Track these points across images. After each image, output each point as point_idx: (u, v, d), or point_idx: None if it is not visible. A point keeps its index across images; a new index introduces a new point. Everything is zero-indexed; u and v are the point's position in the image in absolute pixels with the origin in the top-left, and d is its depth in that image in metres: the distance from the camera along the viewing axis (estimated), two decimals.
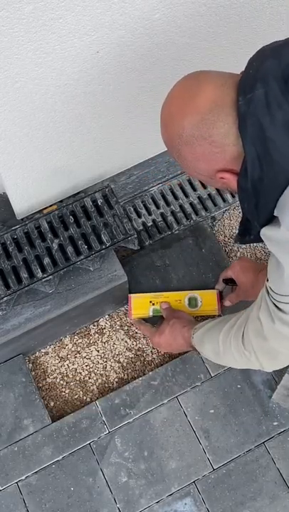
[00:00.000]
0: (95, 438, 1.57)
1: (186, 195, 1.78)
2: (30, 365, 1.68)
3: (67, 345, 1.70)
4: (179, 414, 1.60)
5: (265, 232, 0.99)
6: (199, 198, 1.78)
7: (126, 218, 1.58)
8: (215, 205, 1.77)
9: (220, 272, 1.72)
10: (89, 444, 1.57)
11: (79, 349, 1.70)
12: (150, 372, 1.63)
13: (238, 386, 1.62)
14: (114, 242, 1.55)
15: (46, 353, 1.70)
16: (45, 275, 1.51)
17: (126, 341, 1.70)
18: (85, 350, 1.69)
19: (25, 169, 1.44)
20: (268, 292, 1.11)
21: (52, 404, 1.65)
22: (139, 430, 1.58)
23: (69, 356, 1.69)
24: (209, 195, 1.78)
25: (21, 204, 1.56)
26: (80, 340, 1.71)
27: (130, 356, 1.68)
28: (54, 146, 1.42)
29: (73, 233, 1.55)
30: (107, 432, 1.58)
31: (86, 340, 1.71)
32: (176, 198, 1.77)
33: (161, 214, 1.76)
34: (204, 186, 1.78)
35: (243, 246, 1.80)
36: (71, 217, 1.57)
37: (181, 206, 1.77)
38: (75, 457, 1.56)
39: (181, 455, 1.57)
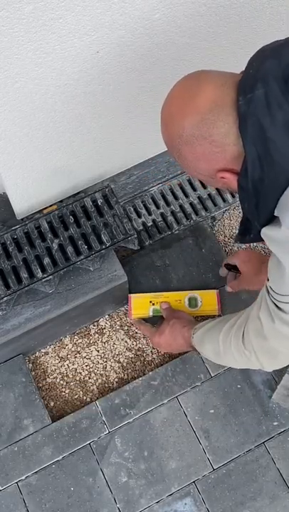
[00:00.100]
0: (95, 438, 1.57)
1: (186, 195, 1.78)
2: (30, 365, 1.68)
3: (67, 345, 1.70)
4: (179, 414, 1.60)
5: (266, 232, 0.99)
6: (199, 198, 1.78)
7: (126, 218, 1.58)
8: (215, 205, 1.77)
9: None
10: (89, 444, 1.57)
11: (79, 349, 1.70)
12: (150, 372, 1.63)
13: (238, 386, 1.62)
14: (114, 242, 1.55)
15: (46, 353, 1.70)
16: (45, 275, 1.51)
17: (126, 341, 1.70)
18: (85, 350, 1.69)
19: (25, 169, 1.44)
20: (268, 292, 1.11)
21: (52, 404, 1.65)
22: (139, 430, 1.58)
23: (69, 356, 1.69)
24: (209, 195, 1.78)
25: (21, 204, 1.56)
26: (80, 340, 1.71)
27: (130, 356, 1.68)
28: (54, 146, 1.42)
29: (73, 233, 1.55)
30: (107, 431, 1.58)
31: (86, 340, 1.71)
32: (176, 198, 1.77)
33: (161, 214, 1.76)
34: (204, 186, 1.78)
35: (243, 246, 1.80)
36: (71, 217, 1.57)
37: (181, 206, 1.77)
38: (75, 457, 1.56)
39: (181, 455, 1.57)
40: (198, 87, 0.96)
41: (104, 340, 1.70)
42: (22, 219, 1.61)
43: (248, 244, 1.81)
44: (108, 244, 1.55)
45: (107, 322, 1.72)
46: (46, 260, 1.52)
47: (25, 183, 1.49)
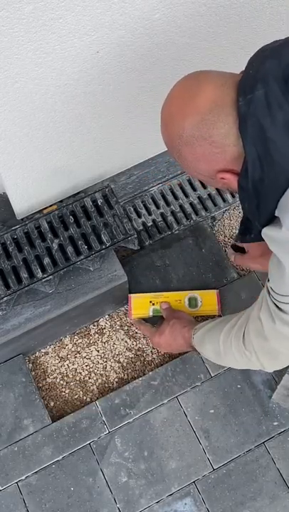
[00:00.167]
0: (95, 438, 1.57)
1: (186, 195, 1.78)
2: (30, 365, 1.68)
3: (67, 345, 1.70)
4: (179, 414, 1.60)
5: (267, 232, 0.99)
6: (199, 198, 1.78)
7: (126, 218, 1.58)
8: (215, 205, 1.77)
9: (220, 272, 1.72)
10: (89, 444, 1.57)
11: (79, 349, 1.70)
12: (150, 372, 1.63)
13: (238, 386, 1.62)
14: (114, 242, 1.55)
15: (46, 353, 1.70)
16: (45, 275, 1.51)
17: (126, 341, 1.70)
18: (85, 350, 1.69)
19: (25, 169, 1.44)
20: (268, 292, 1.11)
21: (52, 404, 1.65)
22: (139, 430, 1.58)
23: (69, 356, 1.69)
24: (209, 195, 1.78)
25: (21, 204, 1.56)
26: (80, 340, 1.71)
27: (130, 356, 1.68)
28: (54, 146, 1.42)
29: (73, 233, 1.55)
30: (107, 431, 1.58)
31: (86, 340, 1.71)
32: (176, 198, 1.77)
33: (161, 214, 1.76)
34: (204, 186, 1.79)
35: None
36: (71, 217, 1.57)
37: (181, 206, 1.77)
38: (75, 457, 1.56)
39: (181, 455, 1.57)
40: (198, 88, 0.96)
41: (104, 340, 1.70)
42: (22, 219, 1.61)
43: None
44: (108, 244, 1.55)
45: (107, 322, 1.72)
46: (46, 260, 1.52)
47: (25, 183, 1.49)
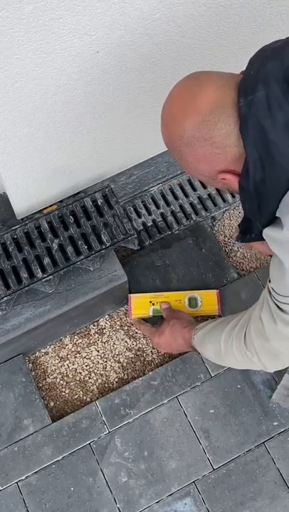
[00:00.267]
0: (95, 438, 1.57)
1: (186, 195, 1.78)
2: (30, 365, 1.68)
3: (67, 345, 1.70)
4: (179, 414, 1.60)
5: (268, 232, 0.99)
6: (199, 198, 1.78)
7: (126, 218, 1.58)
8: (215, 205, 1.77)
9: (220, 272, 1.72)
10: (89, 444, 1.57)
11: (79, 349, 1.70)
12: (150, 372, 1.63)
13: (238, 386, 1.62)
14: (114, 242, 1.55)
15: (46, 353, 1.70)
16: (45, 275, 1.51)
17: (126, 341, 1.70)
18: (85, 350, 1.69)
19: (25, 169, 1.44)
20: (269, 293, 1.11)
21: (52, 404, 1.65)
22: (139, 430, 1.58)
23: (69, 356, 1.69)
24: (209, 195, 1.78)
25: (21, 204, 1.56)
26: (80, 340, 1.71)
27: (130, 356, 1.68)
28: (54, 146, 1.42)
29: (73, 233, 1.55)
30: (107, 432, 1.58)
31: (86, 340, 1.71)
32: (176, 198, 1.77)
33: (161, 214, 1.76)
34: (204, 186, 1.79)
35: (243, 246, 1.80)
36: (71, 217, 1.57)
37: (181, 206, 1.77)
38: (75, 457, 1.56)
39: (181, 455, 1.57)
40: (198, 88, 0.95)
41: (104, 340, 1.70)
42: (22, 219, 1.61)
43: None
44: (108, 244, 1.55)
45: (107, 322, 1.72)
46: (46, 260, 1.52)
47: (25, 183, 1.49)
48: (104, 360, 1.68)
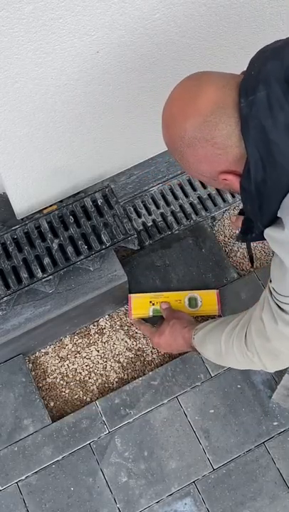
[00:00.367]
0: (95, 438, 1.57)
1: (186, 195, 1.78)
2: (30, 365, 1.68)
3: (67, 345, 1.70)
4: (179, 414, 1.60)
5: (269, 233, 0.99)
6: (199, 198, 1.78)
7: (126, 218, 1.58)
8: (215, 205, 1.77)
9: (220, 272, 1.72)
10: (89, 444, 1.57)
11: (79, 349, 1.70)
12: (150, 372, 1.63)
13: (238, 386, 1.62)
14: (114, 242, 1.55)
15: (46, 353, 1.70)
16: (45, 275, 1.51)
17: (126, 341, 1.70)
18: (85, 350, 1.69)
19: (25, 169, 1.44)
20: (270, 293, 1.11)
21: (52, 404, 1.65)
22: (139, 430, 1.58)
23: (69, 356, 1.69)
24: (209, 195, 1.78)
25: (21, 204, 1.56)
26: (80, 340, 1.71)
27: (130, 356, 1.68)
28: (54, 146, 1.42)
29: (73, 233, 1.55)
30: (107, 432, 1.58)
31: (86, 340, 1.71)
32: (176, 198, 1.77)
33: (161, 214, 1.76)
34: (204, 186, 1.79)
35: (243, 246, 1.80)
36: (71, 217, 1.57)
37: (181, 206, 1.77)
38: (75, 457, 1.56)
39: (181, 455, 1.57)
40: (199, 89, 0.95)
41: (104, 340, 1.70)
42: (22, 219, 1.61)
43: None
44: (108, 244, 1.55)
45: (107, 322, 1.72)
46: (46, 260, 1.52)
47: (25, 183, 1.49)
48: (104, 360, 1.68)
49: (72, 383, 1.67)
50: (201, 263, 1.73)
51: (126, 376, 1.67)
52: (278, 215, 0.96)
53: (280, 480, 1.55)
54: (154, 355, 1.69)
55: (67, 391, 1.66)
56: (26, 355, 1.68)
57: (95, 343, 1.70)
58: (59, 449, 1.56)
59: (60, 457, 1.56)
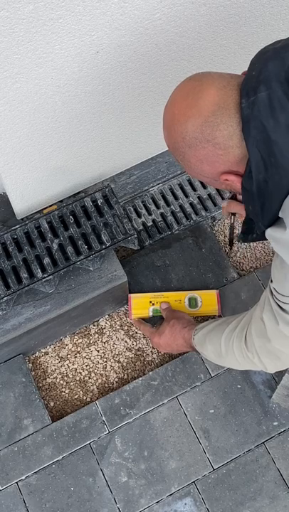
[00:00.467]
0: (95, 438, 1.57)
1: (186, 195, 1.78)
2: (30, 365, 1.68)
3: (67, 345, 1.70)
4: (179, 414, 1.60)
5: (271, 233, 0.99)
6: (199, 198, 1.78)
7: (126, 218, 1.58)
8: (215, 205, 1.77)
9: (220, 272, 1.72)
10: (89, 444, 1.57)
11: (79, 349, 1.70)
12: (150, 372, 1.63)
13: (238, 386, 1.62)
14: (114, 242, 1.55)
15: (46, 353, 1.70)
16: (45, 275, 1.51)
17: (126, 341, 1.70)
18: (85, 350, 1.69)
19: (25, 169, 1.44)
20: (271, 293, 1.11)
21: (52, 404, 1.65)
22: (139, 430, 1.58)
23: (69, 356, 1.69)
24: (209, 195, 1.78)
25: (21, 204, 1.56)
26: (80, 340, 1.71)
27: (130, 356, 1.68)
28: (54, 146, 1.42)
29: (73, 233, 1.55)
30: (107, 432, 1.58)
31: (86, 340, 1.71)
32: (176, 198, 1.77)
33: (161, 214, 1.76)
34: (204, 186, 1.79)
35: (243, 246, 1.80)
36: (71, 217, 1.57)
37: (181, 206, 1.77)
38: (75, 457, 1.56)
39: (181, 455, 1.57)
40: (200, 89, 0.95)
41: (104, 340, 1.70)
42: (22, 219, 1.61)
43: (247, 245, 1.81)
44: (108, 244, 1.55)
45: (107, 322, 1.72)
46: (46, 260, 1.52)
47: (25, 183, 1.49)
48: (104, 360, 1.68)
49: (72, 383, 1.67)
50: (201, 263, 1.73)
51: (126, 376, 1.67)
52: (280, 215, 0.96)
53: (280, 480, 1.55)
54: (154, 355, 1.69)
55: (67, 391, 1.66)
56: (26, 355, 1.68)
57: (95, 343, 1.70)
58: (59, 449, 1.56)
59: (60, 457, 1.56)
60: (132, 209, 1.75)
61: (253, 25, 1.42)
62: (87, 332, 1.72)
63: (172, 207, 1.76)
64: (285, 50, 0.91)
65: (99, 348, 1.69)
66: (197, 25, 1.31)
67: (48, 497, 1.53)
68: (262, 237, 1.03)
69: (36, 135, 1.34)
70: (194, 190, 1.78)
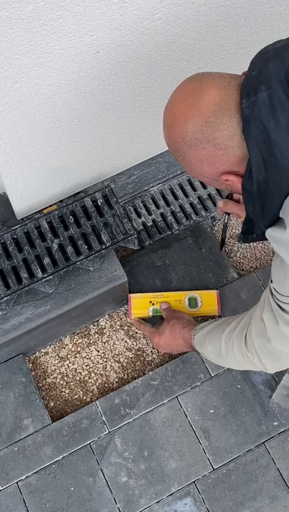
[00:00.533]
0: (95, 438, 1.57)
1: (186, 195, 1.78)
2: (30, 365, 1.68)
3: (67, 345, 1.70)
4: (179, 414, 1.60)
5: (271, 233, 1.00)
6: (199, 198, 1.78)
7: (126, 218, 1.58)
8: (215, 205, 1.77)
9: (220, 272, 1.72)
10: (89, 444, 1.57)
11: (79, 349, 1.70)
12: (150, 372, 1.63)
13: (238, 386, 1.62)
14: (114, 242, 1.55)
15: (46, 353, 1.70)
16: (45, 275, 1.51)
17: (126, 341, 1.70)
18: (85, 350, 1.69)
19: (25, 169, 1.44)
20: (271, 293, 1.11)
21: (52, 404, 1.65)
22: (139, 430, 1.58)
23: (69, 356, 1.69)
24: (209, 195, 1.78)
25: (21, 204, 1.56)
26: (80, 340, 1.71)
27: (130, 356, 1.68)
28: (54, 146, 1.42)
29: (73, 233, 1.55)
30: (107, 432, 1.58)
31: (86, 340, 1.71)
32: (176, 198, 1.77)
33: (161, 214, 1.76)
34: (204, 186, 1.79)
35: (243, 246, 1.80)
36: (71, 217, 1.57)
37: (181, 206, 1.77)
38: (75, 457, 1.56)
39: (181, 455, 1.57)
40: (200, 90, 0.95)
41: (104, 340, 1.70)
42: (22, 219, 1.61)
43: (247, 245, 1.81)
44: (108, 244, 1.55)
45: (107, 322, 1.72)
46: (46, 260, 1.52)
47: (25, 183, 1.49)
48: (105, 360, 1.68)
49: (72, 383, 1.67)
50: (201, 263, 1.73)
51: (126, 376, 1.67)
52: (280, 215, 0.96)
53: (280, 480, 1.55)
54: (154, 355, 1.69)
55: (67, 391, 1.66)
56: (26, 355, 1.68)
57: (95, 343, 1.70)
58: (59, 449, 1.56)
59: (60, 457, 1.56)
60: (132, 209, 1.75)
61: (253, 25, 1.42)
62: (87, 332, 1.72)
63: (172, 207, 1.76)
64: (285, 50, 0.91)
65: (99, 348, 1.69)
66: (197, 25, 1.31)
67: (48, 497, 1.53)
68: (262, 238, 1.03)
69: (36, 135, 1.34)
70: (194, 190, 1.78)
